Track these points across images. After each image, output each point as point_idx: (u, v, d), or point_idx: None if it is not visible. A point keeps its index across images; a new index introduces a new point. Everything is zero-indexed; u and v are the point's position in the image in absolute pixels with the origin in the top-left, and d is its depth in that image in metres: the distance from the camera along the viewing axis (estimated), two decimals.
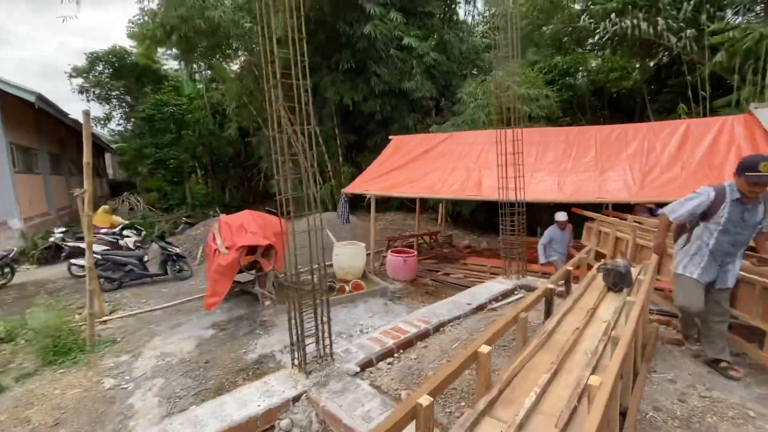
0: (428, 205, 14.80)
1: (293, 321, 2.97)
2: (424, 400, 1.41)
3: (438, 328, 3.80)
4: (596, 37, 15.10)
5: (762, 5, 10.02)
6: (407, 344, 3.49)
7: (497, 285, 4.97)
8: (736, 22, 9.78)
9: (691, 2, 12.09)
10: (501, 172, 5.13)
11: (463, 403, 2.53)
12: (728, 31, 9.62)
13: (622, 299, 2.76)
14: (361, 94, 14.28)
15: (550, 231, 6.25)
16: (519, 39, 5.31)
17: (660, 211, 3.13)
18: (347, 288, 6.37)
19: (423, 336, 3.64)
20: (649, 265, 3.24)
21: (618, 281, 2.92)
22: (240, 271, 5.53)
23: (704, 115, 10.61)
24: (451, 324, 3.92)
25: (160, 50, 19.94)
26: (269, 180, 21.94)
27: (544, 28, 17.16)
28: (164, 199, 19.04)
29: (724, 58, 9.93)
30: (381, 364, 3.19)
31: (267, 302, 5.66)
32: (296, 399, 2.71)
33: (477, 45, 17.91)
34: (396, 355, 3.34)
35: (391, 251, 7.66)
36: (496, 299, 4.56)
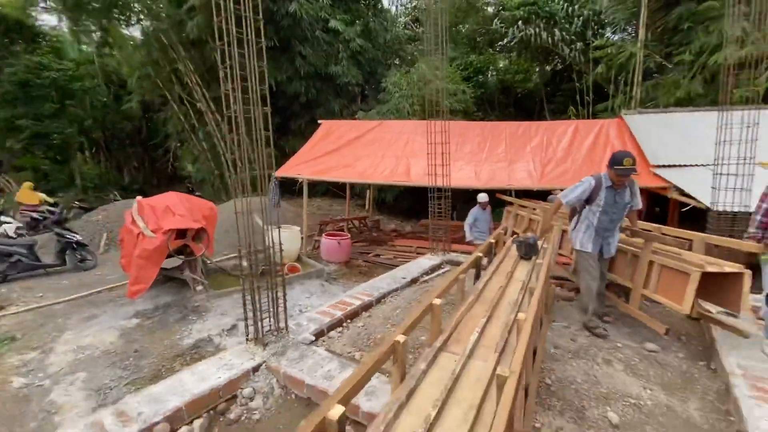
0: (354, 192, 15.12)
1: (248, 298, 3.06)
2: (401, 338, 1.73)
3: (379, 299, 4.17)
4: (505, 41, 16.75)
5: (633, 26, 12.16)
6: (354, 314, 3.79)
7: (426, 261, 5.52)
8: (614, 39, 11.71)
9: (581, 19, 14.11)
10: (430, 159, 5.64)
11: (410, 356, 2.93)
12: (607, 47, 11.51)
13: (532, 264, 3.41)
14: (284, 74, 13.83)
15: (474, 211, 6.94)
16: (446, 35, 5.78)
17: (550, 197, 3.82)
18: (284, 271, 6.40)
19: (367, 307, 3.98)
20: (550, 239, 4.00)
21: (528, 251, 3.57)
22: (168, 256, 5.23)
23: (589, 117, 12.60)
24: (391, 295, 4.33)
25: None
26: (179, 161, 20.06)
27: (461, 27, 18.42)
28: (44, 180, 16.28)
29: (603, 69, 11.88)
30: (332, 333, 3.45)
31: (199, 287, 5.46)
32: (256, 369, 2.84)
33: (400, 35, 18.46)
34: (345, 324, 3.62)
35: (326, 234, 7.83)
36: (426, 273, 5.09)
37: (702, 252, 3.48)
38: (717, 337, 3.11)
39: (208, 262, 6.69)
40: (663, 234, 3.74)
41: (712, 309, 3.29)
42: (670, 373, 2.83)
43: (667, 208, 7.54)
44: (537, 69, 16.99)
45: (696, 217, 5.91)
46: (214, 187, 16.19)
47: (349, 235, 8.12)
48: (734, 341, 3.02)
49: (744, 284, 2.77)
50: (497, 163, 7.72)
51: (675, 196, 6.07)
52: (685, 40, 10.58)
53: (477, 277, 3.28)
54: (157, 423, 2.27)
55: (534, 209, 5.30)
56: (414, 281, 4.82)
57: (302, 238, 7.73)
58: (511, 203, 6.51)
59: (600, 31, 14.09)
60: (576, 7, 14.30)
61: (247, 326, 3.12)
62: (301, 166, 8.29)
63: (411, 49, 18.71)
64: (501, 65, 18.83)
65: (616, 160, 3.19)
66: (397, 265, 6.04)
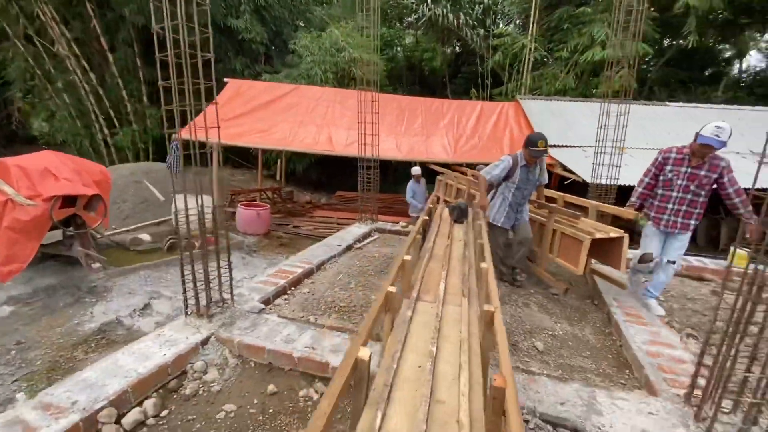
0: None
1: (187, 270, 2.79)
2: (391, 288, 1.84)
3: (319, 266, 4.17)
4: (414, 17, 17.16)
5: (522, 19, 13.59)
6: (297, 282, 3.74)
7: (357, 229, 5.64)
8: (510, 30, 12.98)
9: (481, 6, 15.18)
10: (360, 129, 5.67)
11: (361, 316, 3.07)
12: (504, 36, 12.70)
13: (466, 226, 3.80)
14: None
15: (411, 185, 7.12)
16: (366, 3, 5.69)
17: (473, 173, 4.11)
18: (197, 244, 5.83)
19: (308, 274, 3.95)
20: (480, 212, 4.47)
21: (460, 215, 3.96)
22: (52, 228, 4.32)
23: (487, 99, 13.90)
24: (329, 262, 4.36)
25: None
26: (26, 117, 16.14)
27: None
28: None
29: (500, 57, 13.11)
30: (278, 301, 3.36)
31: (96, 265, 4.66)
32: (204, 342, 2.65)
33: None
34: (290, 291, 3.56)
35: (242, 205, 7.30)
36: (359, 240, 5.22)
37: (595, 218, 4.02)
38: (597, 281, 3.94)
39: (98, 236, 5.73)
40: (566, 202, 4.43)
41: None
42: (569, 310, 3.52)
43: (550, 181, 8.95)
44: (441, 49, 17.87)
45: (575, 189, 7.18)
46: (81, 151, 13.52)
47: (269, 206, 7.73)
48: (609, 285, 3.86)
49: (624, 246, 3.26)
50: (414, 136, 8.11)
51: (559, 171, 7.25)
52: (564, 38, 12.33)
53: (423, 239, 3.52)
54: (100, 409, 2.00)
55: (458, 179, 5.77)
56: (349, 248, 4.90)
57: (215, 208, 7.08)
58: (442, 173, 6.87)
59: (497, 20, 15.42)
60: None
61: (186, 300, 2.86)
62: (210, 129, 7.46)
63: (320, 12, 17.86)
64: (407, 41, 19.29)
65: (531, 142, 3.48)
66: (319, 237, 6.06)
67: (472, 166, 6.92)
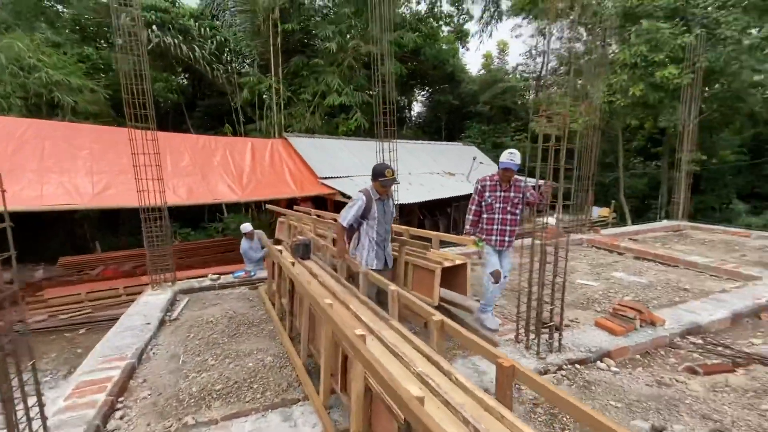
0: None
1: None
2: (359, 332, 1.82)
3: (140, 357, 3.13)
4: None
5: (263, 62, 14.31)
6: (123, 389, 2.69)
7: (153, 297, 4.47)
8: (254, 71, 13.40)
9: (214, 42, 14.92)
10: (138, 174, 4.57)
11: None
12: (251, 76, 13.03)
13: (313, 263, 3.85)
14: None
15: (244, 244, 6.20)
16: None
17: (332, 216, 3.70)
18: None
19: (131, 372, 2.91)
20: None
21: (306, 252, 3.98)
22: None
23: (243, 136, 13.73)
24: (150, 348, 3.33)
25: None
26: None
27: (61, 7, 14.40)
28: None
29: (248, 95, 13.33)
30: (116, 423, 2.35)
31: None
32: None
33: None
34: (121, 404, 2.53)
35: None
36: (167, 310, 4.18)
37: (437, 246, 4.02)
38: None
39: None
40: (411, 236, 4.34)
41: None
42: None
43: (325, 208, 9.92)
44: (175, 80, 16.24)
45: None
46: None
47: None
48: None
49: (467, 272, 3.34)
50: (188, 177, 7.15)
51: (339, 198, 8.23)
52: (304, 83, 13.95)
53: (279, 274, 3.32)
54: None
55: (302, 219, 5.47)
56: (162, 323, 3.87)
57: None
58: (284, 214, 6.24)
59: (237, 59, 15.55)
60: (207, 29, 14.98)
61: None
62: None
63: None
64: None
65: (379, 173, 3.30)
66: (94, 322, 4.43)
67: (276, 202, 6.83)
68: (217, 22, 16.50)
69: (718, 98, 11.69)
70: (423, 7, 18.56)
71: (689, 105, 8.50)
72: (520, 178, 3.49)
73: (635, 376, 2.75)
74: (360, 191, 3.46)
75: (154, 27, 13.04)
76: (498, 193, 3.47)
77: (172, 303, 4.44)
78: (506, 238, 3.48)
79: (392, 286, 2.70)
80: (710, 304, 3.84)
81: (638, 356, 3.06)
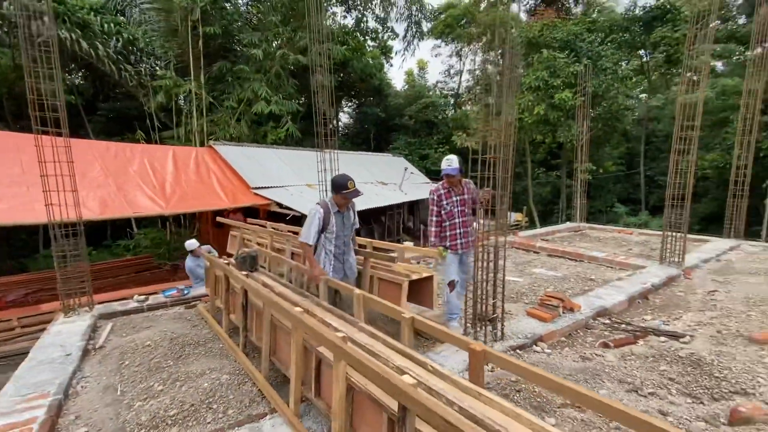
0: None
1: None
2: (341, 335, 1.89)
3: (66, 393, 2.75)
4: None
5: (181, 65, 13.31)
6: (52, 430, 2.36)
7: (69, 326, 3.92)
8: (168, 73, 12.38)
9: (120, 39, 13.55)
10: (45, 185, 4.00)
11: None
12: (166, 79, 12.04)
13: (262, 275, 3.76)
14: None
15: (189, 262, 5.70)
16: None
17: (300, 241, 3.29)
18: None
19: (58, 410, 2.55)
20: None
21: (253, 263, 3.86)
22: None
23: (158, 143, 12.54)
24: (77, 379, 2.94)
25: None
26: None
27: None
28: None
29: (164, 99, 12.30)
30: None
31: None
32: None
33: None
34: None
35: None
36: (89, 338, 3.70)
37: (402, 258, 3.85)
38: None
39: None
40: (375, 248, 4.22)
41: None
42: None
43: (258, 217, 9.53)
44: (73, 79, 14.30)
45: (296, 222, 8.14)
46: None
47: None
48: None
49: (433, 285, 3.33)
50: (99, 188, 6.37)
51: (275, 208, 8.00)
52: (228, 89, 13.29)
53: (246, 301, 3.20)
54: None
55: (258, 232, 5.11)
56: (86, 352, 3.42)
57: None
58: (236, 227, 5.69)
59: (149, 60, 14.22)
60: (111, 25, 13.51)
61: None
62: None
63: None
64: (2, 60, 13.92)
65: (340, 185, 3.24)
66: None
67: (205, 214, 6.36)
68: (122, 18, 14.98)
69: (601, 118, 13.90)
70: (350, 21, 19.03)
71: (582, 123, 10.00)
72: (468, 181, 3.72)
73: (564, 355, 3.20)
74: (317, 203, 3.36)
75: (45, 18, 11.38)
76: (454, 198, 3.62)
77: (94, 330, 3.94)
78: (470, 239, 3.63)
79: (357, 291, 2.79)
80: (611, 290, 4.58)
81: (563, 338, 3.55)
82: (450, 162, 3.56)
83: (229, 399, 2.61)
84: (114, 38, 13.70)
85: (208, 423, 2.39)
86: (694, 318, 3.80)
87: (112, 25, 13.45)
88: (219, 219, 6.22)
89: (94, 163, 6.79)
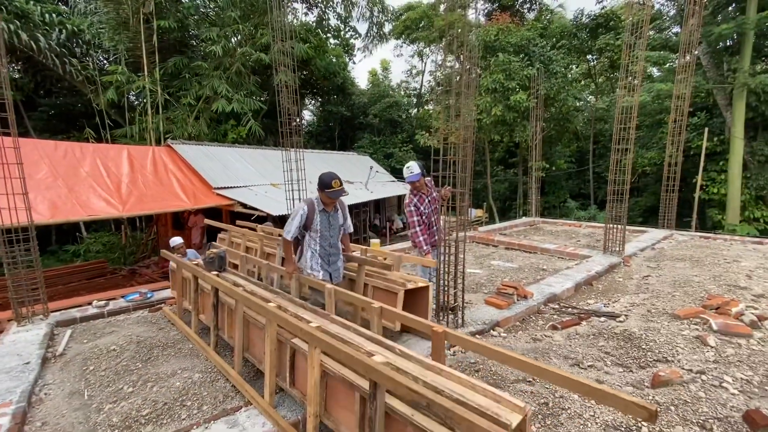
0: None
1: None
2: (319, 323, 2.03)
3: (29, 399, 2.69)
4: None
5: (132, 59, 12.66)
6: None
7: (25, 334, 3.75)
8: (119, 68, 11.74)
9: (63, 31, 12.72)
10: None
11: None
12: (118, 74, 11.42)
13: (231, 274, 3.79)
14: None
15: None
16: None
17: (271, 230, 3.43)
18: None
19: (22, 417, 2.50)
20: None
21: (221, 263, 3.87)
22: None
23: (110, 142, 11.87)
24: (39, 387, 2.87)
25: None
26: None
27: None
28: None
29: (114, 96, 11.67)
30: None
31: None
32: None
33: None
34: None
35: None
36: (46, 346, 3.57)
37: (398, 266, 3.66)
38: None
39: None
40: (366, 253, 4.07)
41: None
42: None
43: (220, 218, 9.33)
44: (15, 75, 13.21)
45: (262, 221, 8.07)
46: None
47: None
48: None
49: (429, 295, 3.24)
50: (48, 190, 6.03)
51: (239, 209, 7.90)
52: (185, 86, 12.81)
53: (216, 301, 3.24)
54: None
55: (247, 235, 4.96)
56: (46, 360, 3.31)
57: None
58: (224, 230, 5.48)
59: (96, 53, 13.40)
60: (53, 15, 12.62)
61: None
62: None
63: None
64: None
65: (325, 184, 3.17)
66: None
67: (164, 215, 6.18)
68: (64, 8, 14.02)
69: (554, 119, 14.79)
70: (312, 18, 18.87)
71: (535, 124, 10.64)
72: (429, 178, 3.95)
73: (518, 338, 3.52)
74: (303, 200, 3.39)
75: None
76: (426, 200, 3.88)
77: (51, 338, 3.80)
78: (441, 235, 3.64)
79: (328, 285, 2.93)
80: (561, 278, 5.02)
81: (518, 323, 3.88)
82: (411, 169, 3.76)
83: (203, 395, 2.68)
84: (56, 29, 12.83)
85: (183, 419, 2.44)
86: (629, 300, 4.28)
87: (53, 15, 12.58)
88: (208, 222, 5.89)
89: (41, 164, 6.39)
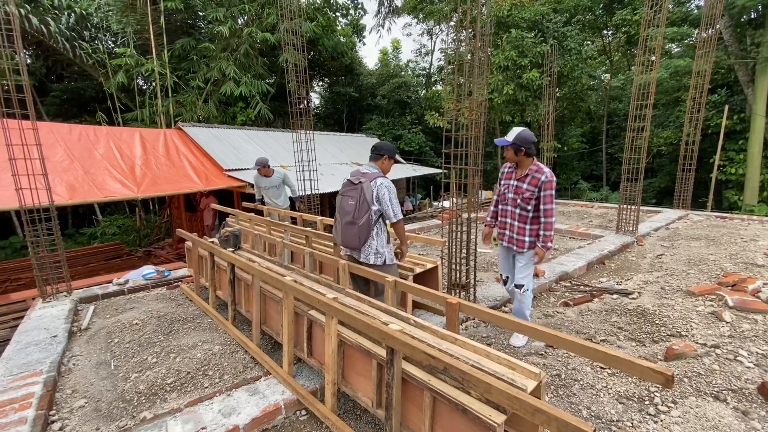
0: None
1: None
2: (331, 294, 2.08)
3: (59, 369, 2.82)
4: None
5: (141, 42, 12.62)
6: (50, 403, 2.45)
7: (51, 310, 3.91)
8: (128, 51, 11.72)
9: (72, 15, 12.71)
10: (15, 169, 3.88)
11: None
12: (127, 57, 11.42)
13: (246, 252, 3.86)
14: None
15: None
16: None
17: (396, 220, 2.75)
18: None
19: (53, 385, 2.63)
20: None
21: (236, 241, 3.94)
22: None
23: (121, 125, 11.98)
24: (66, 361, 3.00)
25: None
26: None
27: None
28: None
29: (124, 79, 11.70)
30: None
31: None
32: None
33: None
34: (55, 417, 2.33)
35: None
36: (73, 320, 3.72)
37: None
38: None
39: None
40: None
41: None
42: None
43: (231, 200, 9.44)
44: (27, 60, 13.27)
45: None
46: None
47: None
48: None
49: (438, 276, 3.27)
50: (65, 172, 6.15)
51: (250, 190, 7.95)
52: (194, 69, 12.76)
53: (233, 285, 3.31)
54: None
55: (254, 221, 4.96)
56: (72, 334, 3.45)
57: None
58: (233, 215, 5.46)
59: (104, 35, 13.38)
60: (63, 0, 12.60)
61: None
62: None
63: None
64: None
65: (394, 149, 2.89)
66: None
67: (179, 197, 6.27)
68: None
69: (566, 98, 14.42)
70: None
71: (548, 103, 10.40)
72: (543, 168, 2.79)
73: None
74: (381, 177, 2.79)
75: None
76: (511, 182, 2.95)
77: (75, 313, 3.94)
78: (515, 235, 2.94)
79: (342, 261, 2.97)
80: (573, 257, 5.00)
81: None
82: (509, 135, 2.84)
83: (224, 366, 2.77)
84: (66, 13, 12.82)
85: (206, 387, 2.55)
86: (643, 278, 4.26)
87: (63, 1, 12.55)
88: (245, 204, 5.79)
89: (56, 147, 6.49)
